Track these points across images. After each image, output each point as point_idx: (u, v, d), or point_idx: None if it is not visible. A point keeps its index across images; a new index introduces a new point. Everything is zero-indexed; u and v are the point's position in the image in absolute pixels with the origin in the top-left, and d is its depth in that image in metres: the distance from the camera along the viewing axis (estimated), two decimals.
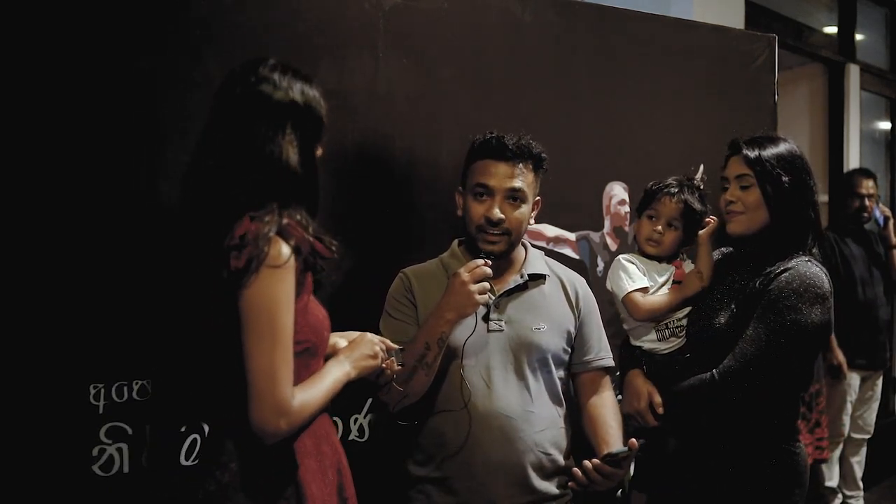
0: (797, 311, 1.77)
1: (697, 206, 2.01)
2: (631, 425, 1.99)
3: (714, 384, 1.80)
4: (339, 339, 1.64)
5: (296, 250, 1.38)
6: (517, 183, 1.83)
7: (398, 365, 1.66)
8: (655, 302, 1.96)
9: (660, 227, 2.00)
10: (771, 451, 1.84)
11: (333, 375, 1.49)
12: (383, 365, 1.61)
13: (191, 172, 1.45)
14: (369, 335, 1.61)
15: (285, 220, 1.39)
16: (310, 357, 1.47)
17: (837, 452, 3.93)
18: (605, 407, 1.94)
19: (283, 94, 1.43)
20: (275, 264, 1.34)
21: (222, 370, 1.41)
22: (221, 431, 1.45)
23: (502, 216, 1.81)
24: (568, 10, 2.41)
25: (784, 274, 1.80)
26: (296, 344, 1.41)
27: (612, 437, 1.87)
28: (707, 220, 2.02)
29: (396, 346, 1.66)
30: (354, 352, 1.55)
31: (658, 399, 1.89)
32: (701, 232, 2.00)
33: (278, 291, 1.35)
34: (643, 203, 2.05)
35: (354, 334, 1.63)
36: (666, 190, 2.00)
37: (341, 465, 1.55)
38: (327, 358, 1.55)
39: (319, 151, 1.52)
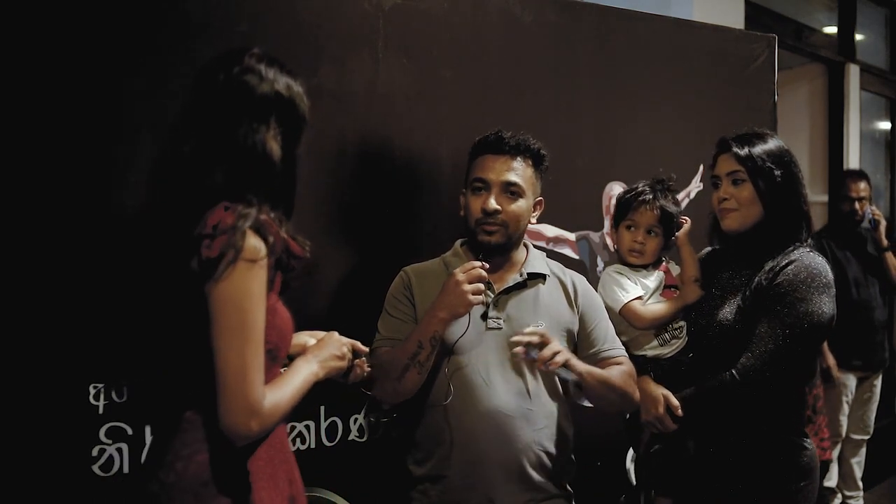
0: (809, 302, 1.78)
1: (673, 208, 2.01)
2: (648, 431, 1.97)
3: (736, 384, 1.80)
4: (308, 338, 1.61)
5: (270, 247, 1.33)
6: (513, 176, 1.83)
7: (368, 366, 1.64)
8: (658, 310, 1.95)
9: (640, 238, 1.99)
10: (785, 446, 1.85)
11: (302, 375, 1.44)
12: (352, 365, 1.58)
13: (164, 159, 1.39)
14: (336, 335, 1.57)
15: (262, 216, 1.34)
16: (271, 359, 1.40)
17: (836, 453, 3.93)
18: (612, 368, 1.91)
19: (269, 86, 1.39)
20: (251, 258, 1.29)
21: (185, 366, 1.36)
22: (170, 429, 1.38)
23: (497, 207, 1.82)
24: (568, 10, 2.41)
25: (790, 266, 1.82)
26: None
27: (607, 370, 1.86)
28: (681, 219, 2.02)
29: (366, 349, 1.64)
30: (322, 351, 1.51)
31: (675, 402, 1.87)
32: (678, 233, 2.00)
33: (252, 287, 1.29)
34: (619, 213, 2.03)
35: (321, 334, 1.59)
36: (641, 198, 1.98)
37: (292, 477, 1.48)
38: (292, 357, 1.51)
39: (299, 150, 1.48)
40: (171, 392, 1.42)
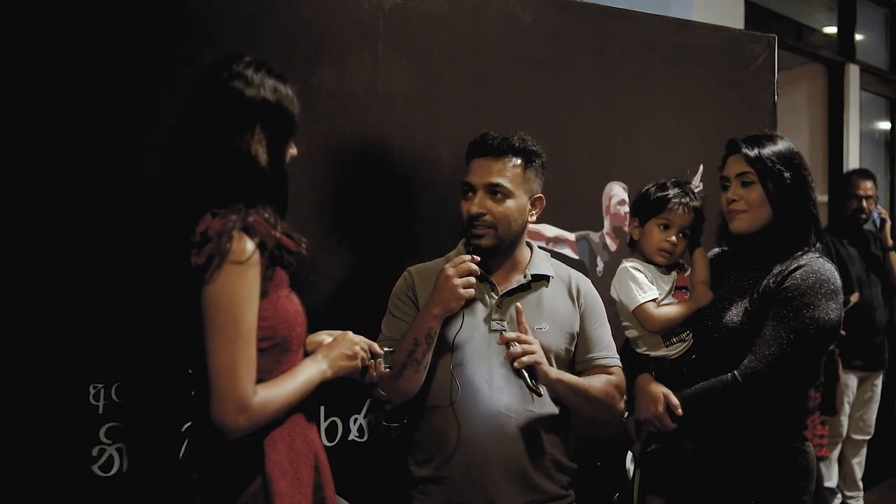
0: (815, 308, 1.78)
1: (701, 211, 1.98)
2: (646, 430, 1.96)
3: (737, 385, 1.79)
4: (326, 337, 1.62)
5: (260, 246, 1.38)
6: (496, 178, 1.82)
7: (386, 367, 1.65)
8: (672, 313, 1.93)
9: (673, 238, 1.95)
10: (784, 449, 1.85)
11: (307, 374, 1.47)
12: (367, 365, 1.59)
13: (166, 168, 1.45)
14: (350, 335, 1.59)
15: (251, 217, 1.38)
16: (281, 353, 1.46)
17: (836, 453, 3.93)
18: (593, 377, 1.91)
19: (255, 91, 1.42)
20: (237, 260, 1.34)
21: (191, 366, 1.41)
22: (195, 427, 1.44)
23: (480, 210, 1.82)
24: (568, 10, 2.41)
25: (798, 271, 1.81)
26: (265, 340, 1.40)
27: (586, 379, 1.87)
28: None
29: (385, 350, 1.64)
30: (333, 350, 1.54)
31: (675, 401, 1.86)
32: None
33: (240, 287, 1.34)
34: (651, 209, 1.98)
35: (338, 333, 1.61)
36: (677, 199, 1.95)
37: (319, 463, 1.53)
38: (310, 354, 1.54)
39: (294, 150, 1.51)
40: (188, 390, 1.46)
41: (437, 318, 1.77)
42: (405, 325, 1.85)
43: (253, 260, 1.36)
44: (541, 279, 1.91)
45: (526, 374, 1.75)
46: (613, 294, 2.01)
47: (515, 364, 1.73)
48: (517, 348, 1.73)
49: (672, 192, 1.96)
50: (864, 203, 3.84)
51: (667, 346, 1.96)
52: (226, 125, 1.40)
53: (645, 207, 1.99)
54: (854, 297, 3.65)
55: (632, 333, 2.01)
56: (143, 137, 1.76)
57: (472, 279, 1.76)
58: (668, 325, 1.93)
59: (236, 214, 1.37)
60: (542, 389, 1.82)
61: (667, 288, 1.97)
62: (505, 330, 1.84)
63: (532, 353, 1.74)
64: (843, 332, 3.53)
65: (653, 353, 1.97)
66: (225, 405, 1.33)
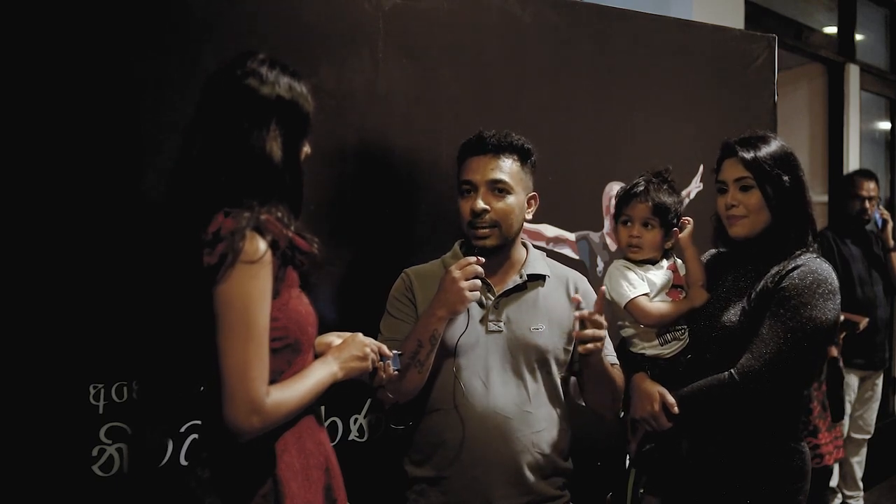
0: (813, 307, 1.78)
1: (668, 199, 1.96)
2: (641, 430, 1.96)
3: (734, 384, 1.79)
4: (335, 338, 1.63)
5: (273, 246, 1.37)
6: (498, 174, 1.83)
7: (395, 369, 1.65)
8: (665, 309, 1.93)
9: (636, 231, 1.96)
10: (780, 449, 1.85)
11: (318, 375, 1.47)
12: (376, 367, 1.59)
13: (177, 166, 1.44)
14: (360, 336, 1.59)
15: (263, 216, 1.38)
16: (292, 353, 1.46)
17: None
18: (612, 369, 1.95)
19: (270, 88, 1.42)
20: (249, 260, 1.33)
21: (202, 367, 1.40)
22: (205, 428, 1.44)
23: (485, 206, 1.81)
24: (568, 10, 2.41)
25: (795, 271, 1.81)
26: (276, 340, 1.40)
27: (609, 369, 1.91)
28: (683, 220, 1.99)
29: (394, 352, 1.64)
30: (343, 352, 1.54)
31: (671, 399, 1.86)
32: (681, 236, 1.98)
33: (252, 287, 1.33)
34: (616, 210, 2.02)
35: (348, 335, 1.62)
36: (632, 192, 1.96)
37: (330, 465, 1.53)
38: (319, 356, 1.54)
39: (307, 149, 1.50)
40: (198, 391, 1.46)
41: (441, 320, 1.76)
42: (405, 326, 1.85)
43: (265, 259, 1.35)
44: (537, 279, 1.91)
45: (589, 359, 1.79)
46: (607, 295, 1.99)
47: (590, 346, 1.76)
48: (588, 332, 1.76)
49: (630, 187, 1.98)
50: (867, 204, 3.85)
51: (661, 344, 1.96)
52: (240, 123, 1.39)
53: (615, 210, 2.03)
54: (863, 324, 3.69)
55: (627, 332, 2.01)
56: (141, 134, 1.76)
57: (478, 282, 1.76)
58: (662, 321, 1.94)
59: (248, 213, 1.35)
60: (541, 386, 1.85)
61: (659, 284, 1.96)
62: (502, 331, 1.85)
63: (602, 338, 1.78)
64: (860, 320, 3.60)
65: (648, 352, 1.97)
66: (238, 406, 1.32)
